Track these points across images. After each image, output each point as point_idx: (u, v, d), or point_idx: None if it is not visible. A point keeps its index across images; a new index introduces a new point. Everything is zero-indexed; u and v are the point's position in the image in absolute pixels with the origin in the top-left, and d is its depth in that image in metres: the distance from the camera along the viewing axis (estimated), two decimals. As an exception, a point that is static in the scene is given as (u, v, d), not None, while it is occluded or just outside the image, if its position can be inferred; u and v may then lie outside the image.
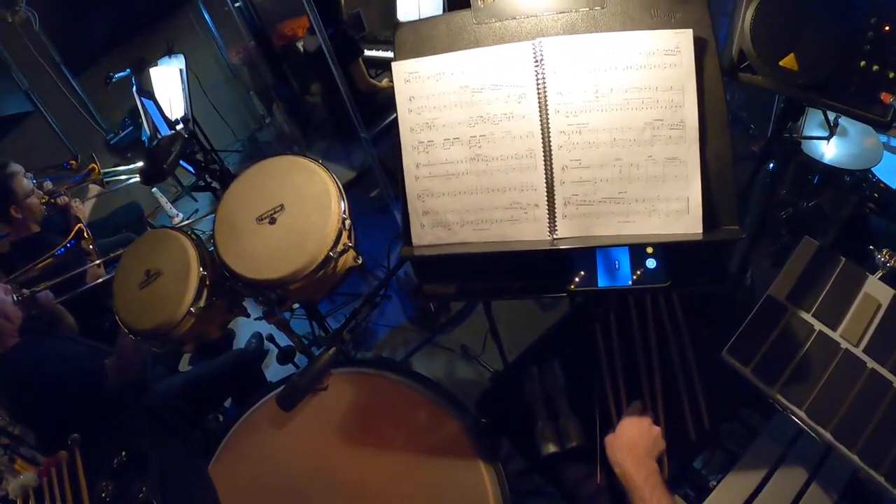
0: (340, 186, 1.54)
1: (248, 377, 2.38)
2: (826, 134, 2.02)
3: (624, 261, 1.06)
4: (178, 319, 1.54)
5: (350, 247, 1.48)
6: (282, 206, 1.53)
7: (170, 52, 3.08)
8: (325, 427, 1.49)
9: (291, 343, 2.19)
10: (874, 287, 1.29)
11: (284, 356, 2.61)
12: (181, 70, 2.79)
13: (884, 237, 2.26)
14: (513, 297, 1.16)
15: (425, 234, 1.18)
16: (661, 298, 1.39)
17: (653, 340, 1.34)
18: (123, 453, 1.37)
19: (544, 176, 1.09)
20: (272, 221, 1.52)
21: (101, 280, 2.31)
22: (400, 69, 1.18)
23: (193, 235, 1.69)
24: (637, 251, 1.05)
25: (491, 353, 2.39)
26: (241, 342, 3.07)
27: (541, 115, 1.09)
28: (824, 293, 1.28)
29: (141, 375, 1.97)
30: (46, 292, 2.05)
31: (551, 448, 1.27)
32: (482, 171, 1.14)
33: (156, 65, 3.05)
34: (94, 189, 3.07)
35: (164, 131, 2.40)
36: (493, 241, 1.12)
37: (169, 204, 3.85)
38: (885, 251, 1.56)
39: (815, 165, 2.25)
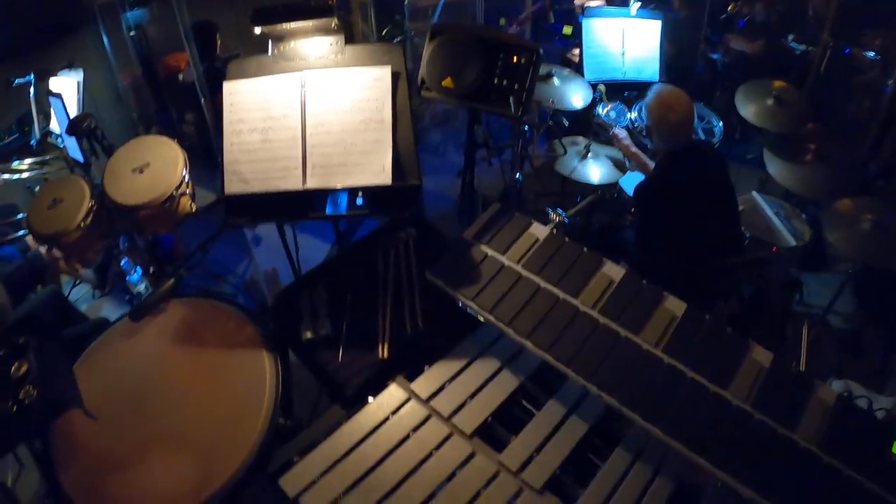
0: (187, 157, 2.63)
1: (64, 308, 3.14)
2: (575, 159, 3.15)
3: (343, 199, 2.02)
4: (71, 229, 2.55)
5: (187, 194, 2.53)
6: (148, 164, 2.62)
7: (70, 66, 3.93)
8: (161, 338, 2.27)
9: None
10: (537, 229, 2.28)
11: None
12: (78, 82, 3.63)
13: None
14: (283, 220, 2.09)
15: (233, 186, 2.10)
16: (402, 248, 2.35)
17: (391, 272, 2.28)
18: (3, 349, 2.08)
19: (301, 152, 2.05)
20: (141, 171, 2.61)
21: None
22: (228, 86, 2.15)
23: (90, 182, 2.73)
24: (352, 193, 2.02)
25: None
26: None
27: (302, 116, 2.07)
28: (498, 233, 2.25)
29: None
30: None
31: (308, 335, 2.16)
32: (268, 148, 2.09)
33: (56, 75, 3.88)
34: None
35: (64, 129, 3.25)
36: (270, 188, 2.05)
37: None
38: (554, 211, 2.61)
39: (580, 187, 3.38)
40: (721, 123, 3.70)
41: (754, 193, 3.46)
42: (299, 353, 2.23)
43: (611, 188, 3.57)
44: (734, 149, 4.38)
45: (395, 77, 2.05)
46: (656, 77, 3.67)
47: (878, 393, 2.63)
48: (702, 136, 3.66)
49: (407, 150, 2.04)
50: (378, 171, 2.01)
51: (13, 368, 1.89)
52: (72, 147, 3.30)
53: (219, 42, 4.12)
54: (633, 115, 3.62)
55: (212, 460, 1.89)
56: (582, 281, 2.15)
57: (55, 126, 4.00)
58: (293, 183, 2.04)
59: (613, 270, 2.19)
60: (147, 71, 4.66)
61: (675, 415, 1.79)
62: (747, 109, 3.62)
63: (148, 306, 2.29)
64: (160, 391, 2.12)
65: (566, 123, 4.24)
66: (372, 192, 2.02)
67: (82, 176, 2.73)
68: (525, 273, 2.17)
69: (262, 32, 2.15)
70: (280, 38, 2.15)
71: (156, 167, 2.63)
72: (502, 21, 4.75)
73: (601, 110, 3.61)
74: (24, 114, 4.60)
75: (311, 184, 2.03)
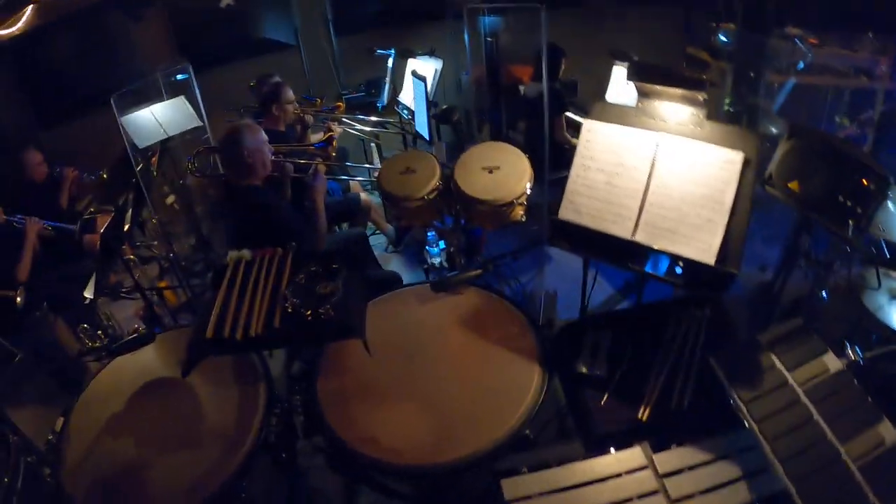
0: (533, 175, 3.02)
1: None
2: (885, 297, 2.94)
3: (664, 263, 2.20)
4: (416, 197, 3.13)
5: (524, 205, 2.93)
6: (499, 167, 3.09)
7: (432, 52, 4.69)
8: (450, 314, 2.69)
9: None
10: (830, 359, 2.23)
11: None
12: (437, 70, 4.33)
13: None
14: (601, 260, 2.33)
15: (567, 213, 2.42)
16: (693, 325, 2.46)
17: (675, 344, 2.41)
18: (317, 267, 2.41)
19: (639, 205, 2.28)
20: (491, 171, 3.08)
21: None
22: (589, 124, 2.47)
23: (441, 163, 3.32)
24: (673, 260, 2.18)
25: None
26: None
27: (649, 173, 2.29)
28: (792, 348, 2.25)
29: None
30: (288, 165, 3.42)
31: (583, 369, 2.38)
32: (609, 191, 2.35)
33: (416, 57, 4.66)
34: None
35: (419, 107, 3.96)
36: (600, 228, 2.32)
37: (377, 156, 5.57)
38: (852, 347, 2.49)
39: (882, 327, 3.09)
40: None
41: None
42: (565, 381, 2.47)
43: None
44: None
45: (746, 164, 2.17)
46: None
47: None
48: None
49: (736, 238, 2.15)
50: (704, 248, 2.16)
51: (321, 286, 2.33)
52: (422, 124, 3.97)
53: (563, 67, 4.55)
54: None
55: (451, 436, 2.18)
56: (855, 430, 2.06)
57: (404, 98, 4.80)
58: (622, 230, 2.29)
59: (889, 432, 2.07)
60: (491, 73, 5.34)
61: None
62: None
63: (450, 283, 2.73)
64: (431, 357, 2.52)
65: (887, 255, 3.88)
66: (689, 266, 2.17)
67: (434, 155, 3.30)
68: (804, 399, 2.15)
69: (632, 84, 2.41)
70: (647, 95, 2.40)
71: (505, 172, 3.08)
72: (844, 120, 4.45)
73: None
74: (375, 79, 5.59)
75: (638, 237, 2.26)
